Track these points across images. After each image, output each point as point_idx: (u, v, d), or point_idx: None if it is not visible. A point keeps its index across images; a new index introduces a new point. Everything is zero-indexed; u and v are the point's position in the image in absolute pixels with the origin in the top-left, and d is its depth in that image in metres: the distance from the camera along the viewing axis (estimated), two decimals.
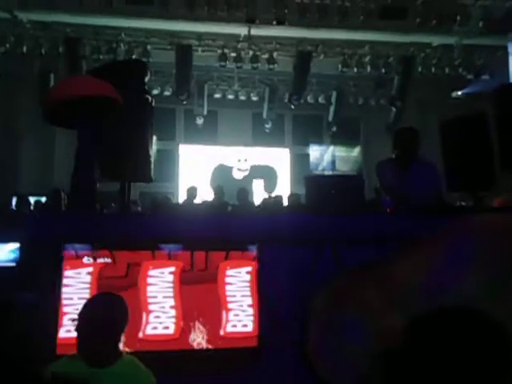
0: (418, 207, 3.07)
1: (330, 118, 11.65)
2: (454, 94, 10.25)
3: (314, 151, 12.49)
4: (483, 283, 2.06)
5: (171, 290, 2.64)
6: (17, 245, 3.96)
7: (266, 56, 9.86)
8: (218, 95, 11.54)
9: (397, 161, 3.69)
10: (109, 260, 2.52)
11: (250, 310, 2.71)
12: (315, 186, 3.29)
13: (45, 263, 2.48)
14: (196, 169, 11.98)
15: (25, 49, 9.02)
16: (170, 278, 2.65)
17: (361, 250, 2.49)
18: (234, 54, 9.80)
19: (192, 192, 7.24)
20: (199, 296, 2.67)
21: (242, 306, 2.71)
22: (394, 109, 10.66)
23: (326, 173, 11.82)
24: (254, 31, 9.08)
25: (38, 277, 2.35)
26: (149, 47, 9.51)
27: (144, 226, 2.75)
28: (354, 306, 2.34)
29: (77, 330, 1.90)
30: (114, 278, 2.56)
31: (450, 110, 8.57)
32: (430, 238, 2.53)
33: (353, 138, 12.63)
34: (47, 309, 2.14)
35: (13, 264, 3.92)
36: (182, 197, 10.45)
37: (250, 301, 2.71)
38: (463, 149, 4.06)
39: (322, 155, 12.50)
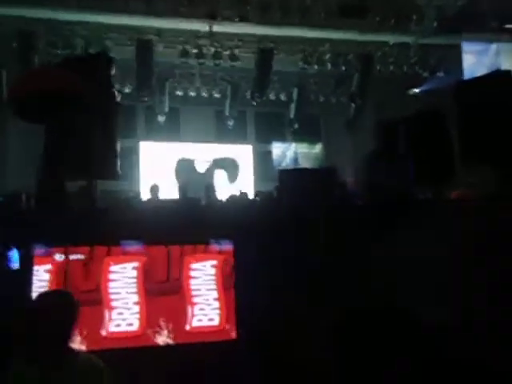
0: (391, 200, 3.14)
1: (292, 115, 11.74)
2: (410, 92, 10.57)
3: (277, 148, 12.57)
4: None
5: (134, 285, 2.60)
6: None
7: (227, 53, 9.82)
8: (179, 92, 11.39)
9: (380, 154, 3.72)
10: (81, 257, 2.46)
11: (216, 304, 2.70)
12: (289, 179, 3.31)
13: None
14: (158, 166, 11.80)
15: None
16: (134, 273, 2.61)
17: (334, 242, 2.53)
18: (195, 51, 9.70)
19: (155, 190, 7.16)
20: (164, 293, 2.63)
21: (207, 299, 2.70)
22: (353, 106, 10.87)
23: None
24: (216, 28, 9.03)
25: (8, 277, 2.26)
26: (107, 42, 9.26)
27: (112, 222, 2.70)
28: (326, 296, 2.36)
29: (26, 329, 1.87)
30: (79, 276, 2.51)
31: (408, 106, 8.84)
32: (403, 229, 2.60)
33: (314, 134, 12.79)
34: None
35: None
36: (143, 195, 10.26)
37: (215, 294, 2.70)
38: (424, 143, 4.19)
39: (285, 152, 12.60)
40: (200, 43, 9.64)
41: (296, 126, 11.80)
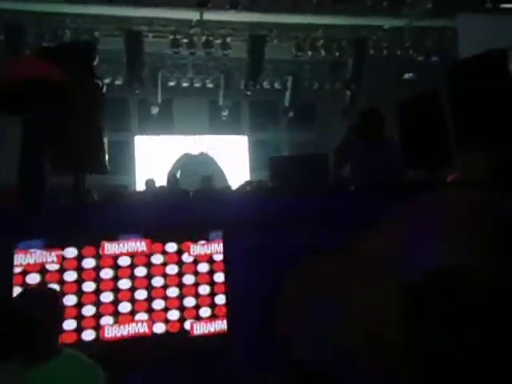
0: (383, 184, 3.09)
1: (287, 103, 11.62)
2: (406, 76, 10.44)
3: (272, 137, 12.49)
4: (449, 257, 2.09)
5: (132, 278, 2.56)
6: None
7: (219, 41, 9.67)
8: (172, 83, 11.24)
9: (362, 141, 3.71)
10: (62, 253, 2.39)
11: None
12: (280, 167, 3.24)
13: None
14: (153, 160, 11.70)
15: None
16: (131, 264, 2.57)
17: (331, 230, 2.47)
18: (186, 40, 9.55)
19: (150, 184, 7.08)
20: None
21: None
22: (348, 92, 10.74)
23: None
24: (207, 16, 8.88)
25: None
26: (96, 34, 9.10)
27: (101, 216, 2.63)
28: (325, 285, 2.33)
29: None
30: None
31: (403, 91, 8.74)
32: (398, 217, 2.53)
33: (309, 122, 12.68)
34: None
35: None
36: (140, 189, 10.18)
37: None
38: (419, 127, 4.11)
39: (280, 141, 12.52)
40: (191, 32, 9.48)
41: (291, 114, 11.69)
